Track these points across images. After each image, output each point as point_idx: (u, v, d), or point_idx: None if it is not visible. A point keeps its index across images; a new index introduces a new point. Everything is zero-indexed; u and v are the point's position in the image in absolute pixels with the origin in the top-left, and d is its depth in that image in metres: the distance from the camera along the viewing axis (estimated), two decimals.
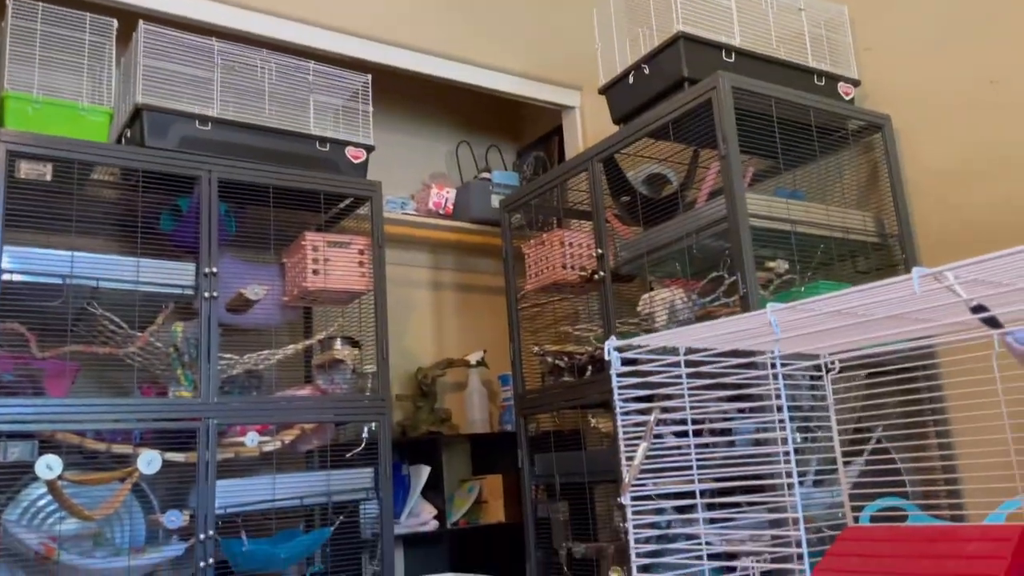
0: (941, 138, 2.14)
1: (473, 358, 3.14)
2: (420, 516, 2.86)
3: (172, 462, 2.03)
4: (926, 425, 1.93)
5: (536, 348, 2.63)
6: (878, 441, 2.00)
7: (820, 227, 2.06)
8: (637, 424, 0.91)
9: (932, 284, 0.67)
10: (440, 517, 2.89)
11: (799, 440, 1.92)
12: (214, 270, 2.14)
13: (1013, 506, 1.43)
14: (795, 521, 0.79)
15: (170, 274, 2.13)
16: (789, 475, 0.79)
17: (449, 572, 2.84)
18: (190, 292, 2.16)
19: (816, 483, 1.89)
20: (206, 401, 2.06)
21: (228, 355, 2.25)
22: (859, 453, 1.95)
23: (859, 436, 1.99)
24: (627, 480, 0.86)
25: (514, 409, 2.66)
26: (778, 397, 0.84)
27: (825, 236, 2.07)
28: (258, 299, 2.22)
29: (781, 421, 1.02)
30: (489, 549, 3.15)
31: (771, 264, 1.98)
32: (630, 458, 0.87)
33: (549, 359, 2.56)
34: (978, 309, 0.67)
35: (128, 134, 2.27)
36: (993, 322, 0.66)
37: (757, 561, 1.00)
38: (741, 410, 1.06)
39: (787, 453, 0.98)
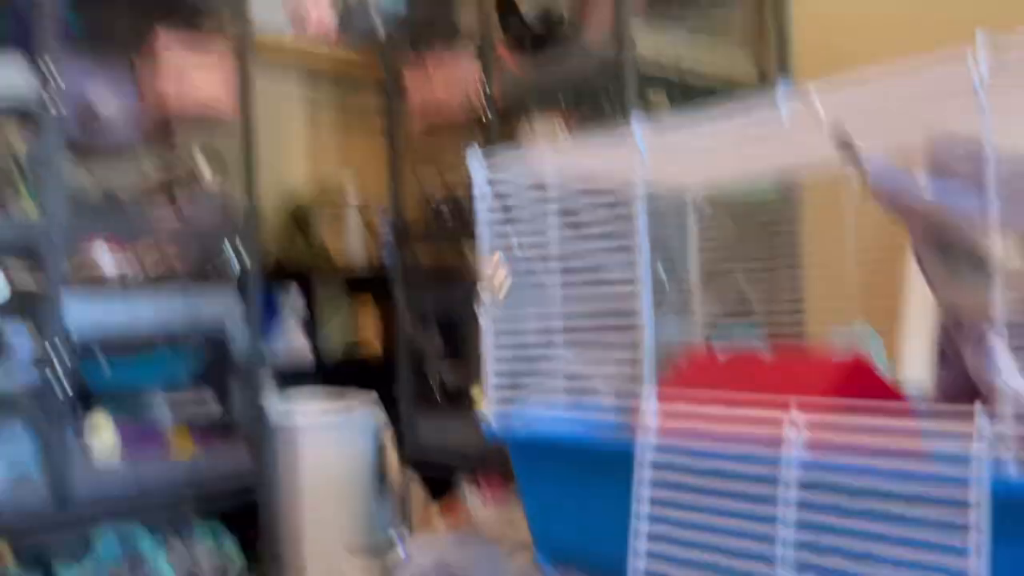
0: None
1: (351, 191, 3.04)
2: (293, 346, 2.84)
3: (18, 286, 1.89)
4: (780, 263, 2.03)
5: (417, 183, 2.56)
6: (735, 278, 2.10)
7: (705, 66, 2.04)
8: (498, 243, 0.89)
9: (799, 107, 0.66)
10: (314, 349, 2.88)
11: (661, 274, 1.99)
12: (56, 75, 1.92)
13: (857, 329, 1.56)
14: (647, 350, 0.80)
15: (2, 77, 1.90)
16: (641, 310, 0.80)
17: (323, 398, 2.87)
18: (29, 98, 1.94)
19: (674, 316, 1.98)
20: (52, 218, 1.91)
21: (77, 170, 2.07)
22: (716, 289, 2.04)
23: (717, 271, 2.07)
24: (483, 298, 0.85)
25: (392, 244, 2.62)
26: (640, 226, 0.84)
27: (708, 75, 2.06)
28: (109, 112, 2.02)
29: (639, 249, 1.03)
30: (363, 379, 3.20)
31: (654, 100, 1.97)
32: (489, 275, 0.86)
33: (430, 193, 2.51)
34: (838, 136, 0.67)
35: None
36: (850, 149, 0.66)
37: (609, 387, 1.04)
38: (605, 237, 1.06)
39: (646, 285, 0.99)
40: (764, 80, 2.18)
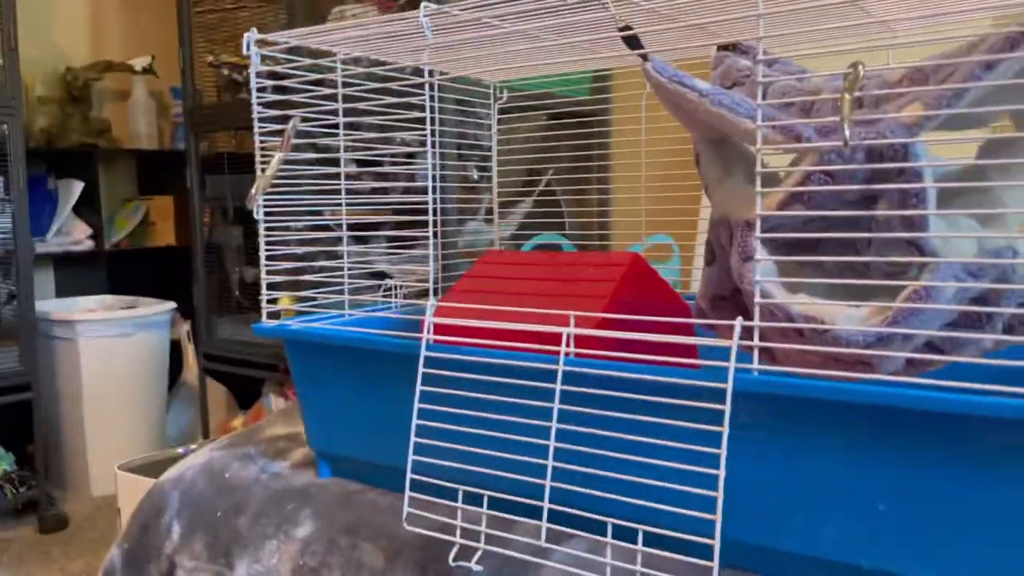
0: None
1: (138, 64, 2.73)
2: (72, 235, 2.57)
3: None
4: (592, 168, 2.05)
5: (212, 58, 2.33)
6: (547, 183, 2.11)
7: None
8: (275, 133, 0.81)
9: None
10: (98, 237, 2.62)
11: (476, 176, 1.96)
12: None
13: (656, 240, 1.61)
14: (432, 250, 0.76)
15: None
16: (436, 209, 0.76)
17: (107, 294, 2.64)
18: None
19: (487, 219, 1.96)
20: None
21: None
22: (530, 193, 2.05)
23: (531, 178, 2.07)
24: (254, 191, 0.77)
25: (185, 125, 2.39)
26: (432, 120, 0.78)
27: None
28: None
29: (435, 145, 0.98)
30: (157, 272, 2.97)
31: None
32: (264, 169, 0.78)
33: (226, 72, 2.30)
34: (626, 29, 0.64)
35: None
36: (635, 43, 0.64)
37: (402, 287, 1.00)
38: (398, 134, 1.00)
39: (435, 180, 0.94)
40: None
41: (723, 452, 0.54)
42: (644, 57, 0.65)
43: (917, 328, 0.54)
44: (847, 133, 0.53)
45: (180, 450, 1.93)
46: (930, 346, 0.59)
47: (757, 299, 0.58)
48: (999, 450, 0.49)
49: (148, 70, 2.74)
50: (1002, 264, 0.54)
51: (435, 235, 0.87)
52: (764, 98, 0.60)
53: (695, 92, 0.62)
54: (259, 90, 0.82)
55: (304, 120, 0.85)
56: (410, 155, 1.58)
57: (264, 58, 0.81)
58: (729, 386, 0.55)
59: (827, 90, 0.61)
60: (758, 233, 0.58)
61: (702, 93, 0.62)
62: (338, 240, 0.87)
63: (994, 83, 0.50)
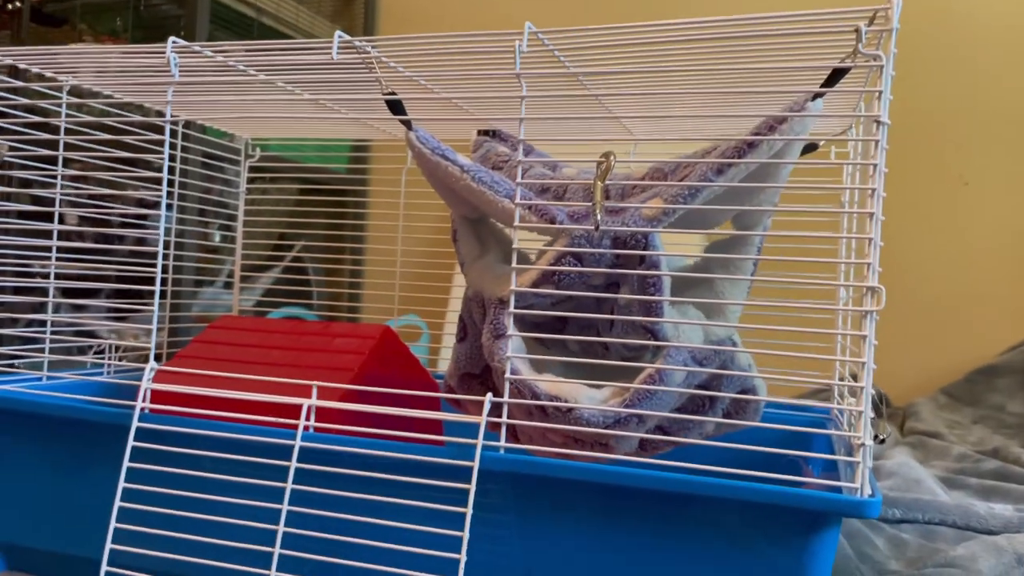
0: None
1: None
2: None
3: None
4: (345, 240, 2.01)
5: None
6: (297, 253, 2.03)
7: (286, 25, 1.93)
8: None
9: (352, 54, 0.61)
10: None
11: (218, 239, 1.83)
12: None
13: (406, 321, 1.59)
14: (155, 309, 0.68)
15: None
16: (166, 269, 0.68)
17: None
18: None
19: (227, 285, 1.83)
20: None
21: None
22: (278, 262, 1.95)
23: (280, 243, 1.99)
24: None
25: None
26: (171, 170, 0.71)
27: (289, 36, 1.96)
28: None
29: (170, 194, 0.90)
30: None
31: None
32: None
33: None
34: (391, 95, 0.63)
35: None
36: (400, 110, 0.63)
37: (119, 351, 0.89)
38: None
39: (169, 237, 0.86)
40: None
41: (465, 535, 0.52)
42: (408, 126, 0.64)
43: (651, 411, 0.56)
44: (599, 218, 0.56)
45: None
46: (659, 428, 0.62)
47: (507, 375, 0.58)
48: (721, 529, 0.51)
49: None
50: (724, 352, 0.59)
51: (163, 296, 0.78)
52: (520, 178, 0.61)
53: (457, 167, 0.62)
54: None
55: (19, 160, 0.74)
56: (144, 210, 1.44)
57: None
58: (476, 464, 0.54)
59: (578, 179, 0.64)
60: (511, 309, 0.58)
61: (464, 168, 0.62)
62: (45, 295, 0.75)
63: (723, 185, 0.55)
